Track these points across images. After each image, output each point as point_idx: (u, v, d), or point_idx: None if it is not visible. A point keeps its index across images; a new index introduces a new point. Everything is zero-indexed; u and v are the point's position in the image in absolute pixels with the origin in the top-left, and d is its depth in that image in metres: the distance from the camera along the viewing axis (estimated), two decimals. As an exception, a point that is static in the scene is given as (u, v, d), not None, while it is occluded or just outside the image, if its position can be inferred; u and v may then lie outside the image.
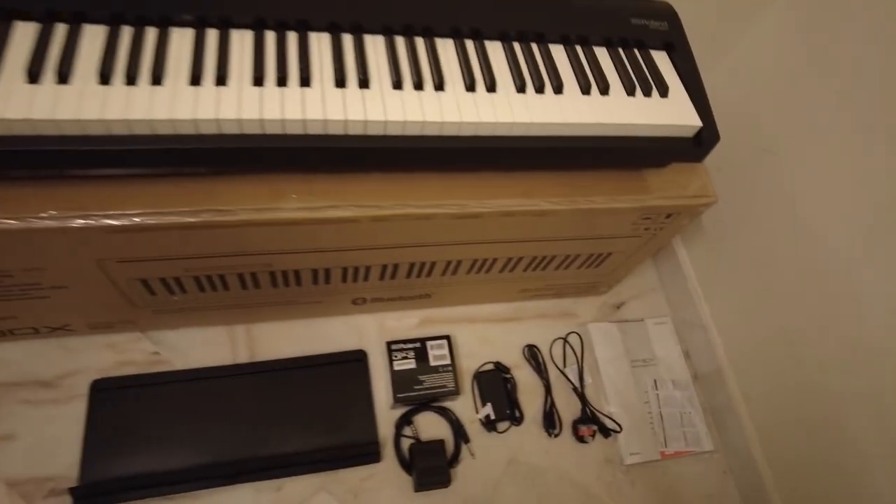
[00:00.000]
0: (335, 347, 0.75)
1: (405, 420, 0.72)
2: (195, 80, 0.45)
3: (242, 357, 0.73)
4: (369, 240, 0.58)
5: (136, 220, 0.48)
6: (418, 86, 0.49)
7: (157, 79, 0.44)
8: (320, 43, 0.49)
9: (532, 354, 0.80)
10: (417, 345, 0.74)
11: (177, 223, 0.49)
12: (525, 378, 0.79)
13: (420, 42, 0.52)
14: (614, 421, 0.77)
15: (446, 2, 0.53)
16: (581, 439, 0.76)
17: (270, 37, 0.49)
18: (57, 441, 0.65)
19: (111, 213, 0.48)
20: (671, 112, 0.55)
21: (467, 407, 0.75)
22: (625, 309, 0.88)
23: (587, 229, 0.64)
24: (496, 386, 0.76)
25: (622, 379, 0.81)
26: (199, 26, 0.47)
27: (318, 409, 0.70)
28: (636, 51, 0.58)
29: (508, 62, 0.53)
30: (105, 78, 0.43)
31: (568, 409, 0.78)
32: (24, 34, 0.43)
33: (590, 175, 0.60)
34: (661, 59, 0.59)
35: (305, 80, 0.47)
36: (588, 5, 0.58)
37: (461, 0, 0.54)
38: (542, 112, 0.51)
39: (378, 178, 0.54)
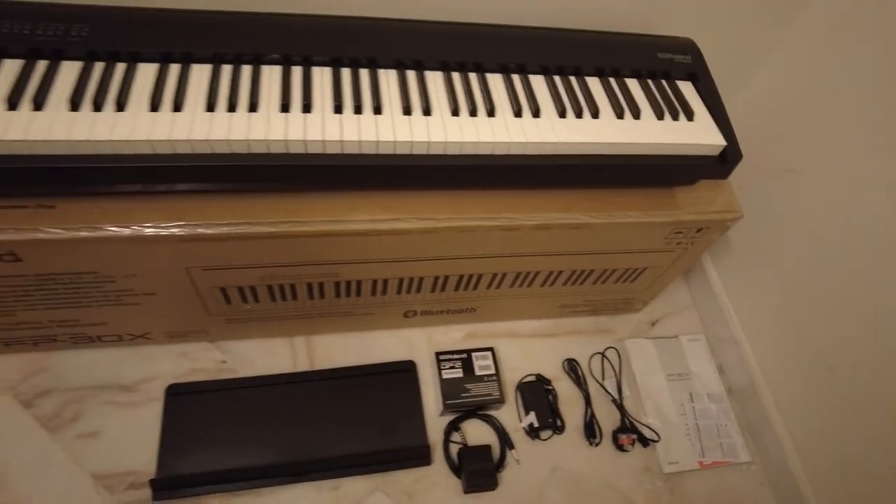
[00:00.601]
0: (386, 358, 0.81)
1: (453, 426, 0.76)
2: (285, 107, 0.52)
3: (302, 366, 0.79)
4: (425, 251, 0.64)
5: (226, 229, 0.56)
6: (473, 112, 0.56)
7: (253, 106, 0.52)
8: (388, 78, 0.57)
9: (571, 368, 0.84)
10: (464, 355, 0.79)
11: (261, 233, 0.56)
12: (565, 390, 0.83)
13: (473, 76, 0.60)
14: (653, 430, 0.80)
15: (494, 42, 0.61)
16: (621, 448, 0.79)
17: (346, 73, 0.57)
18: (136, 439, 0.71)
19: (205, 223, 0.55)
20: (697, 133, 0.61)
21: (511, 416, 0.79)
22: (659, 326, 0.92)
23: (623, 243, 0.70)
24: (538, 396, 0.80)
25: (659, 392, 0.84)
26: (286, 64, 0.56)
27: (372, 415, 0.75)
28: (663, 81, 0.65)
29: (550, 92, 0.60)
30: (211, 106, 0.51)
31: (607, 419, 0.81)
32: (146, 74, 0.52)
33: (624, 192, 0.66)
34: (686, 87, 0.65)
35: (378, 109, 0.54)
36: (619, 41, 0.65)
37: (508, 40, 0.62)
38: (581, 133, 0.57)
39: (435, 194, 0.61)
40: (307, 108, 0.53)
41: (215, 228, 0.55)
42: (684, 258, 0.76)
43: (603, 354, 0.86)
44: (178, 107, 0.51)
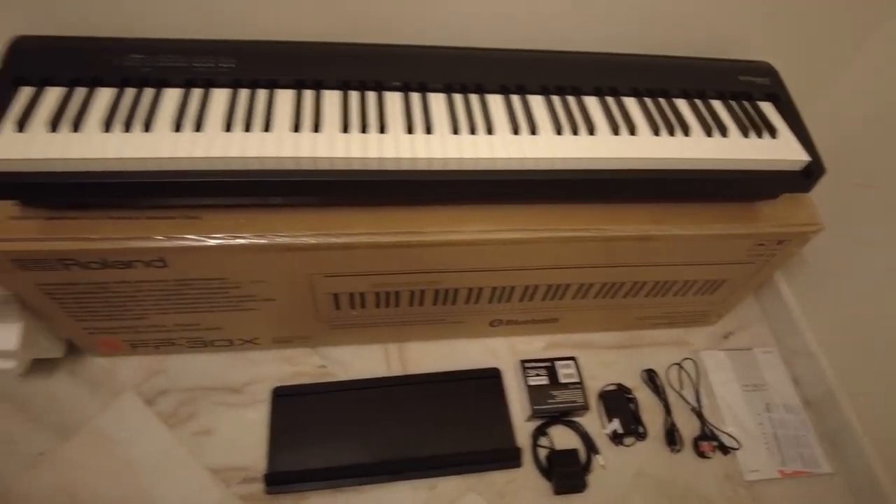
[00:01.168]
0: (470, 365, 0.85)
1: (540, 431, 0.80)
2: (409, 129, 0.58)
3: (395, 371, 0.84)
4: (522, 260, 0.69)
5: (353, 239, 0.62)
6: (591, 132, 0.61)
7: (382, 128, 0.58)
8: (495, 102, 0.63)
9: (650, 377, 0.87)
10: (548, 364, 0.83)
11: (385, 242, 0.62)
12: (643, 399, 0.86)
13: (572, 100, 0.65)
14: (734, 438, 0.82)
15: (591, 68, 0.66)
16: (702, 455, 0.81)
17: (458, 98, 0.62)
18: (246, 437, 0.77)
19: (335, 232, 0.61)
20: (782, 149, 0.65)
21: (594, 423, 0.82)
22: (732, 339, 0.94)
23: (708, 255, 0.73)
24: (620, 404, 0.83)
25: (736, 402, 0.86)
26: (405, 90, 0.62)
27: (463, 418, 0.79)
28: (745, 102, 0.69)
29: (643, 113, 0.65)
30: (346, 127, 0.57)
31: (686, 427, 0.84)
32: (284, 99, 0.59)
33: (709, 206, 0.70)
34: (767, 107, 0.69)
35: (490, 130, 0.60)
36: (702, 66, 0.70)
37: (601, 66, 0.67)
38: (675, 150, 0.62)
39: (535, 207, 0.66)
40: (428, 129, 0.59)
41: (344, 237, 0.61)
42: (763, 270, 0.79)
43: (680, 365, 0.89)
44: (316, 128, 0.57)
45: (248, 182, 0.55)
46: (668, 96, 0.68)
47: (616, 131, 0.62)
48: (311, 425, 0.77)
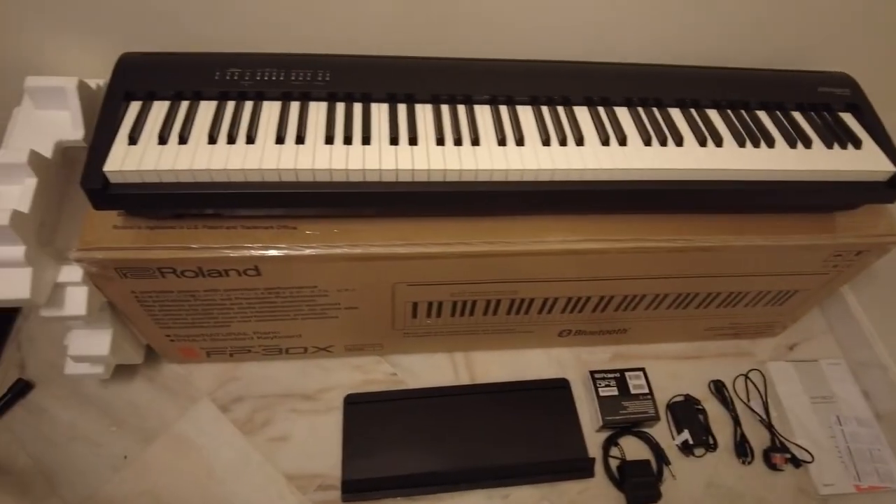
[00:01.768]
0: (537, 375, 0.85)
1: (611, 442, 0.80)
2: (501, 142, 0.59)
3: (463, 379, 0.85)
4: (600, 270, 0.69)
5: (441, 248, 0.63)
6: (678, 143, 0.62)
7: (476, 141, 0.59)
8: (582, 114, 0.64)
9: (717, 388, 0.87)
10: (617, 375, 0.83)
11: (471, 252, 0.63)
12: (711, 410, 0.85)
13: (656, 111, 0.65)
14: (806, 451, 0.81)
15: (673, 80, 0.67)
16: (774, 467, 0.80)
17: (546, 110, 0.63)
18: (320, 444, 0.78)
19: (424, 242, 0.62)
20: (867, 160, 0.65)
21: (663, 434, 0.82)
22: (797, 350, 0.94)
23: (783, 265, 0.73)
24: (690, 415, 0.83)
25: (805, 414, 0.86)
26: (493, 103, 0.63)
27: (534, 428, 0.80)
28: (825, 113, 0.69)
29: (726, 124, 0.65)
30: (440, 140, 0.58)
31: (755, 439, 0.83)
32: (380, 112, 0.60)
33: (788, 216, 0.70)
34: (849, 118, 0.69)
35: (580, 141, 0.61)
36: (781, 78, 0.70)
37: (682, 78, 0.68)
38: (762, 162, 0.62)
39: (614, 218, 0.67)
40: (520, 141, 0.60)
41: (435, 247, 0.62)
42: (836, 281, 0.78)
43: (747, 376, 0.89)
44: (412, 141, 0.58)
45: (348, 194, 0.56)
46: (749, 108, 0.68)
47: (703, 143, 0.63)
48: (384, 433, 0.78)
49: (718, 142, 0.63)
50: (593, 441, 0.81)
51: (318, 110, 0.60)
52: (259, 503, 0.73)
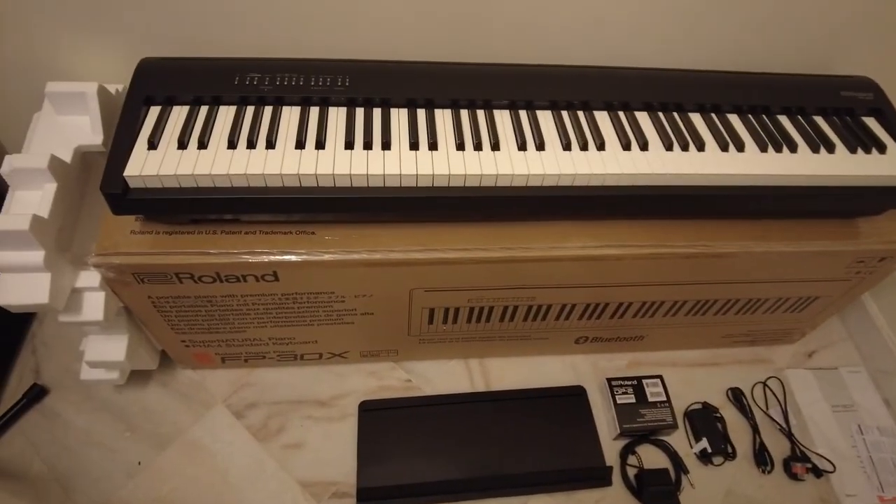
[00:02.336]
0: (552, 382, 0.85)
1: (628, 450, 0.79)
2: (521, 146, 0.59)
3: (479, 386, 0.84)
4: (619, 276, 0.68)
5: (459, 254, 0.62)
6: (700, 148, 0.61)
7: (495, 145, 0.59)
8: (603, 118, 0.63)
9: (735, 396, 0.86)
10: (634, 382, 0.82)
11: (489, 258, 0.62)
12: (729, 418, 0.84)
13: (676, 116, 0.65)
14: (828, 460, 0.80)
15: (695, 84, 0.67)
16: (794, 477, 0.79)
17: (566, 115, 0.63)
18: (334, 451, 0.77)
19: (442, 248, 0.62)
20: (891, 164, 0.64)
21: (681, 442, 0.81)
22: (816, 357, 0.92)
23: (804, 271, 0.72)
24: (708, 423, 0.82)
25: (826, 422, 0.84)
26: (513, 108, 0.63)
27: (550, 436, 0.79)
28: (848, 118, 0.69)
29: (747, 129, 0.65)
30: (461, 145, 0.58)
31: (775, 448, 0.82)
32: (399, 117, 0.60)
33: (810, 222, 0.69)
34: (872, 123, 0.68)
35: (601, 146, 0.60)
36: (802, 82, 0.70)
37: (704, 83, 0.67)
38: (785, 167, 0.61)
39: (631, 223, 0.66)
40: (541, 146, 0.59)
41: (453, 253, 0.62)
42: (857, 288, 0.77)
43: (765, 384, 0.87)
44: (433, 146, 0.58)
45: (367, 199, 0.56)
46: (771, 113, 0.67)
47: (725, 148, 0.62)
48: (399, 440, 0.77)
49: (740, 147, 0.62)
50: (610, 449, 0.80)
51: (337, 115, 0.60)
52: (274, 510, 0.73)
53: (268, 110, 0.59)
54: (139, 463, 0.74)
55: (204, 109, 0.59)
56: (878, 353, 0.89)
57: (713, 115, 0.66)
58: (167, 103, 0.59)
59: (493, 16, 0.65)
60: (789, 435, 0.82)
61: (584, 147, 0.60)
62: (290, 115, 0.59)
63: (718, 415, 0.83)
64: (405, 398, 0.81)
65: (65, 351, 0.82)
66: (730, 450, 0.81)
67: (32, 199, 0.57)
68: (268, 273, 0.62)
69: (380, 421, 0.79)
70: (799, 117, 0.67)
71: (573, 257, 0.64)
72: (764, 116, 0.67)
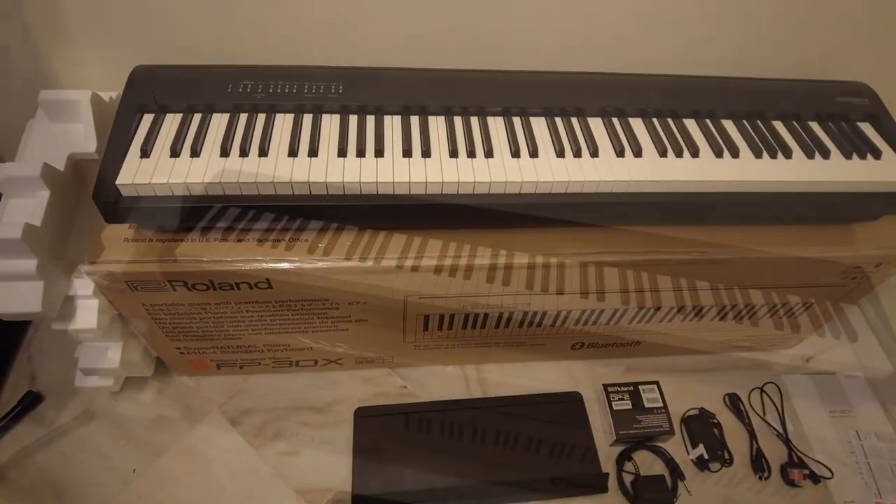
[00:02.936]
0: (550, 389, 0.84)
1: (624, 456, 0.79)
2: (515, 153, 0.59)
3: (475, 393, 0.84)
4: (617, 283, 0.68)
5: (452, 261, 0.62)
6: (694, 154, 0.61)
7: (489, 153, 0.58)
8: (598, 125, 0.63)
9: (732, 402, 0.85)
10: (631, 388, 0.82)
11: (481, 264, 0.62)
12: (727, 424, 0.84)
13: (670, 122, 0.65)
14: (825, 467, 0.80)
15: (689, 91, 0.66)
16: (792, 483, 0.79)
17: (560, 121, 0.63)
18: (330, 458, 0.77)
19: (438, 255, 0.62)
20: (886, 170, 0.64)
21: (678, 448, 0.81)
22: (813, 363, 0.92)
23: (800, 277, 0.72)
24: (705, 429, 0.81)
25: (823, 428, 0.84)
26: (507, 115, 0.63)
27: (546, 442, 0.78)
28: (843, 123, 0.68)
29: (742, 135, 0.65)
30: (454, 152, 0.58)
31: (772, 454, 0.81)
32: (392, 124, 0.60)
33: (806, 228, 0.69)
34: (867, 128, 0.68)
35: (594, 153, 0.60)
36: (797, 88, 0.70)
37: (704, 88, 0.67)
38: (779, 172, 0.61)
39: (630, 230, 0.66)
40: (534, 153, 0.59)
41: (445, 260, 0.61)
42: (855, 293, 0.77)
43: (762, 389, 0.87)
44: (426, 153, 0.58)
45: (360, 206, 0.56)
46: (766, 119, 0.67)
47: (719, 154, 0.62)
48: (395, 447, 0.77)
49: (735, 153, 0.62)
50: (607, 456, 0.79)
51: (330, 123, 0.60)
52: (269, 518, 0.73)
53: (261, 118, 0.59)
54: (134, 470, 0.74)
55: (197, 117, 0.59)
56: (876, 358, 0.89)
57: (708, 121, 0.65)
58: (160, 111, 0.59)
59: (487, 23, 0.65)
60: (786, 441, 0.82)
61: (577, 154, 0.60)
62: (284, 122, 0.59)
63: (715, 421, 0.83)
64: (401, 405, 0.81)
65: (60, 358, 0.82)
66: (727, 456, 0.80)
67: (25, 208, 0.57)
68: (261, 281, 0.62)
69: (375, 428, 0.79)
70: (794, 123, 0.67)
71: (567, 264, 0.64)
72: (759, 122, 0.67)
